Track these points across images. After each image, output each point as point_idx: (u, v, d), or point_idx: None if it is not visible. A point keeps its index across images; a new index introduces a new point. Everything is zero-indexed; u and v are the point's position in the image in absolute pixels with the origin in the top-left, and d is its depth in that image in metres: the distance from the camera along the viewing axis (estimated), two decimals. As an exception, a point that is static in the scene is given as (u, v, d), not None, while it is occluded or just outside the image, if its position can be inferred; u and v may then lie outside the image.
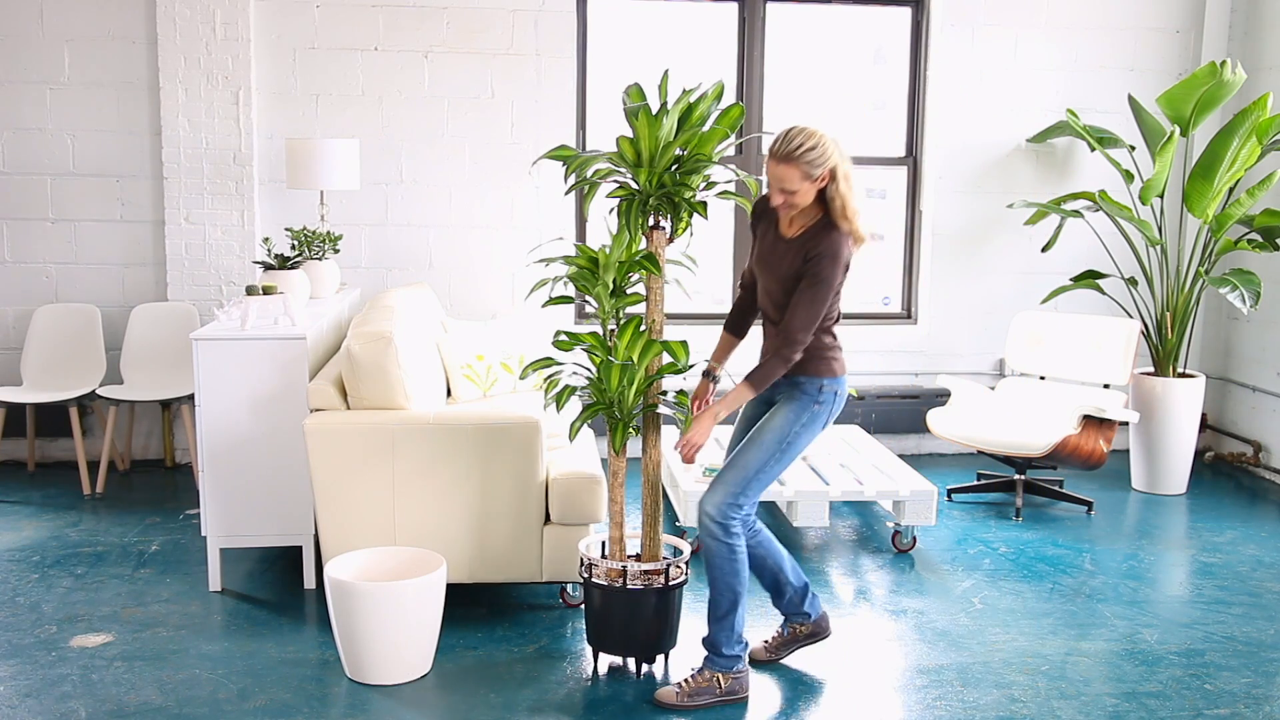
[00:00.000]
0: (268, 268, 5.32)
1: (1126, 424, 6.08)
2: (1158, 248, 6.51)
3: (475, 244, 6.73)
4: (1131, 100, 6.69)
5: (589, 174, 3.99)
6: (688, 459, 3.90)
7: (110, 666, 4.07)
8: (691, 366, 4.00)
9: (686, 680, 3.88)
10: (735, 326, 4.17)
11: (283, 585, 4.87)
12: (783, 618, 4.26)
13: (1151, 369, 6.50)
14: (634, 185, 3.93)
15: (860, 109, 7.53)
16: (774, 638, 4.26)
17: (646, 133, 3.82)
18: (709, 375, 4.07)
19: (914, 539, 5.41)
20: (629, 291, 4.00)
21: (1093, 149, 6.63)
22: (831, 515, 5.77)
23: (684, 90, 3.90)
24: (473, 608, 4.61)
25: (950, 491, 6.24)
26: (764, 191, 3.89)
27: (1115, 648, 4.38)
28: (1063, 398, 6.14)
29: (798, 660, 4.24)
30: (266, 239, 5.79)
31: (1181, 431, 6.32)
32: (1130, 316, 6.57)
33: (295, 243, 5.79)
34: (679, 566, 4.07)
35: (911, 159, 7.14)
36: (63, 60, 6.37)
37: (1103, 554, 5.43)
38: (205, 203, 6.43)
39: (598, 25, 6.83)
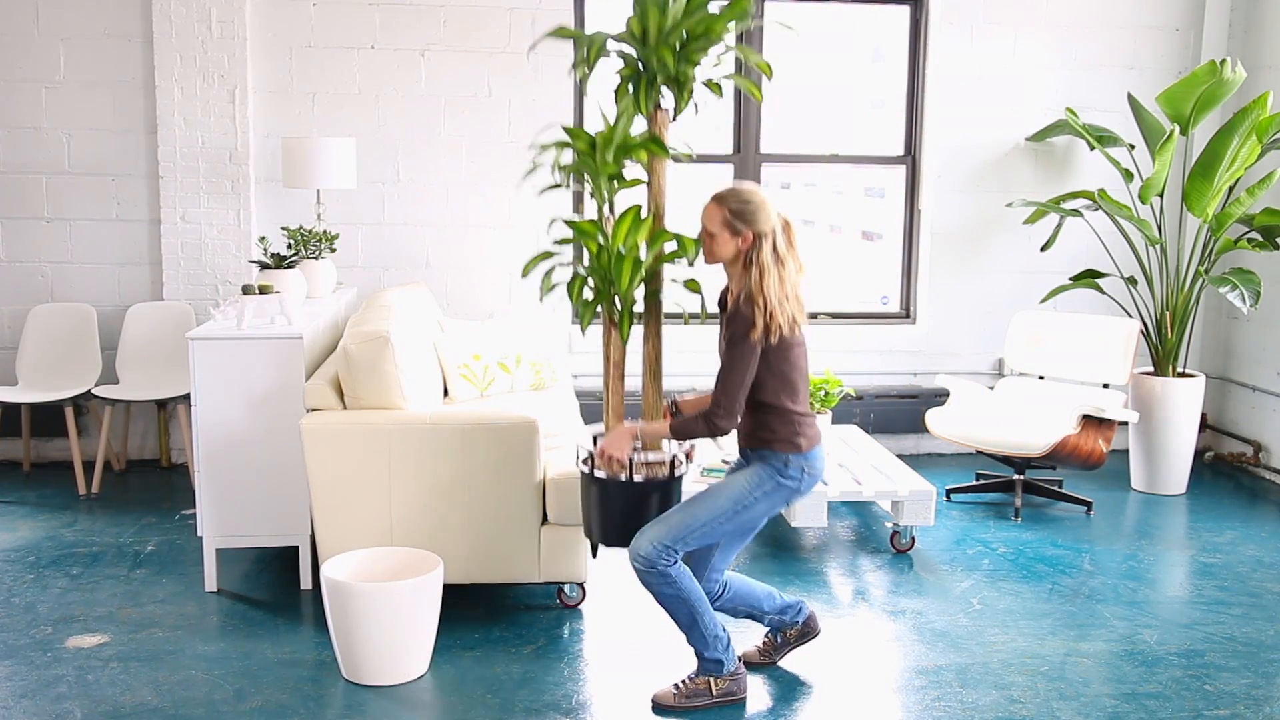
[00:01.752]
0: (264, 267, 5.31)
1: (1126, 424, 6.06)
2: (1157, 247, 6.50)
3: (472, 243, 6.72)
4: (1131, 99, 6.68)
5: (589, 54, 3.87)
6: (600, 457, 3.82)
7: (106, 667, 4.06)
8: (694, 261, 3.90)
9: (683, 682, 3.87)
10: None
11: (279, 586, 4.86)
12: (769, 627, 4.24)
13: (1151, 369, 6.49)
14: (639, 64, 3.83)
15: (859, 107, 7.52)
16: (765, 643, 4.24)
17: (655, 11, 3.75)
18: (672, 407, 4.02)
19: (913, 539, 5.39)
20: (628, 177, 3.93)
21: (1092, 148, 6.62)
22: (830, 515, 5.76)
23: None
24: (470, 608, 4.60)
25: (949, 492, 6.23)
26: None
27: (1115, 648, 4.37)
28: (1062, 397, 6.13)
29: (796, 661, 4.23)
30: (263, 238, 5.77)
31: (1181, 431, 6.31)
32: (1130, 316, 6.56)
33: (291, 242, 5.77)
34: (681, 459, 3.95)
35: (910, 158, 7.12)
36: (58, 59, 6.35)
37: (1102, 554, 5.42)
38: (201, 202, 6.41)
39: (595, 24, 6.81)
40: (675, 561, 3.73)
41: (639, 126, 3.90)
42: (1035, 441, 5.71)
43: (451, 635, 4.32)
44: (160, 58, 6.31)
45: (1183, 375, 6.43)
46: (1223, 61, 6.02)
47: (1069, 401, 6.00)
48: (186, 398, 5.97)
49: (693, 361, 5.97)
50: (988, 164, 7.01)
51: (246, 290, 4.82)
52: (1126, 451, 6.65)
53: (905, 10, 7.01)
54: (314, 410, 4.49)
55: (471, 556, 4.47)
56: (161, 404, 6.40)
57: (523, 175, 4.16)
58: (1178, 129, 6.16)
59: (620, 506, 3.89)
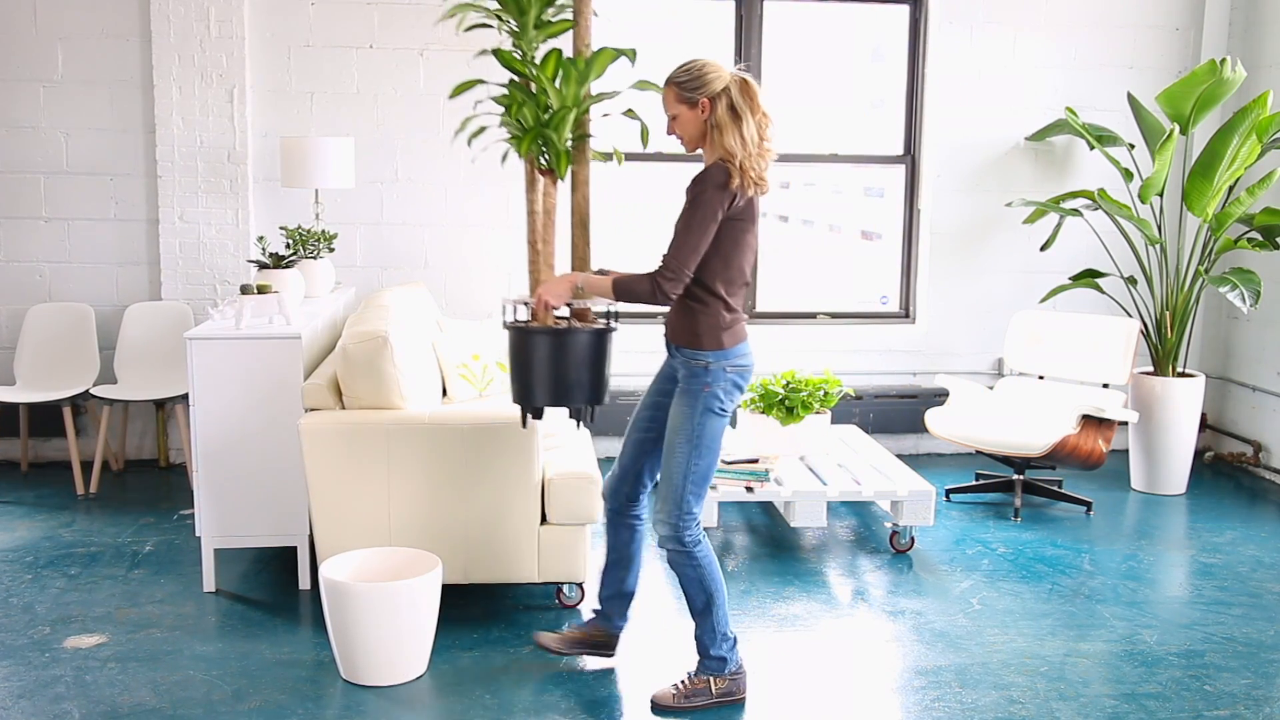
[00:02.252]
0: (262, 266, 5.30)
1: (1126, 424, 6.05)
2: (1157, 246, 6.49)
3: (471, 243, 6.71)
4: (1131, 98, 6.68)
5: None
6: (536, 309, 3.77)
7: (104, 668, 4.05)
8: (619, 95, 3.89)
9: (683, 682, 3.86)
10: None
11: (277, 586, 4.85)
12: (595, 612, 4.19)
13: (1151, 368, 6.48)
14: None
15: (858, 107, 7.51)
16: (569, 630, 4.20)
17: None
18: (600, 273, 3.87)
19: (912, 539, 5.38)
20: (554, 20, 3.92)
21: (1092, 147, 6.62)
22: (829, 515, 5.74)
23: None
24: (468, 608, 4.58)
25: (949, 492, 6.22)
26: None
27: (1114, 649, 4.36)
28: (1062, 397, 6.12)
29: (794, 661, 4.22)
30: (261, 238, 5.76)
31: (1181, 431, 6.30)
32: (1129, 316, 6.55)
33: (290, 241, 5.76)
34: (608, 319, 3.90)
35: (910, 157, 7.12)
36: (56, 58, 6.35)
37: (1102, 554, 5.41)
38: (199, 201, 6.40)
39: (593, 22, 6.77)
40: (698, 526, 3.76)
41: None
42: (1035, 441, 5.70)
43: (450, 635, 4.30)
44: (158, 57, 6.30)
45: (1182, 375, 6.42)
46: (1223, 61, 6.01)
47: (1069, 401, 5.99)
48: (185, 398, 5.94)
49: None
50: (987, 163, 7.00)
51: (245, 290, 4.81)
52: (1126, 451, 6.64)
53: (905, 9, 7.00)
54: (312, 410, 4.48)
55: (470, 557, 4.46)
56: (160, 404, 6.38)
57: (446, 19, 4.14)
58: (1178, 128, 6.15)
59: (553, 359, 3.80)
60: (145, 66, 6.36)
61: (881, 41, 7.28)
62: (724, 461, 5.44)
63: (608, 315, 3.90)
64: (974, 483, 6.28)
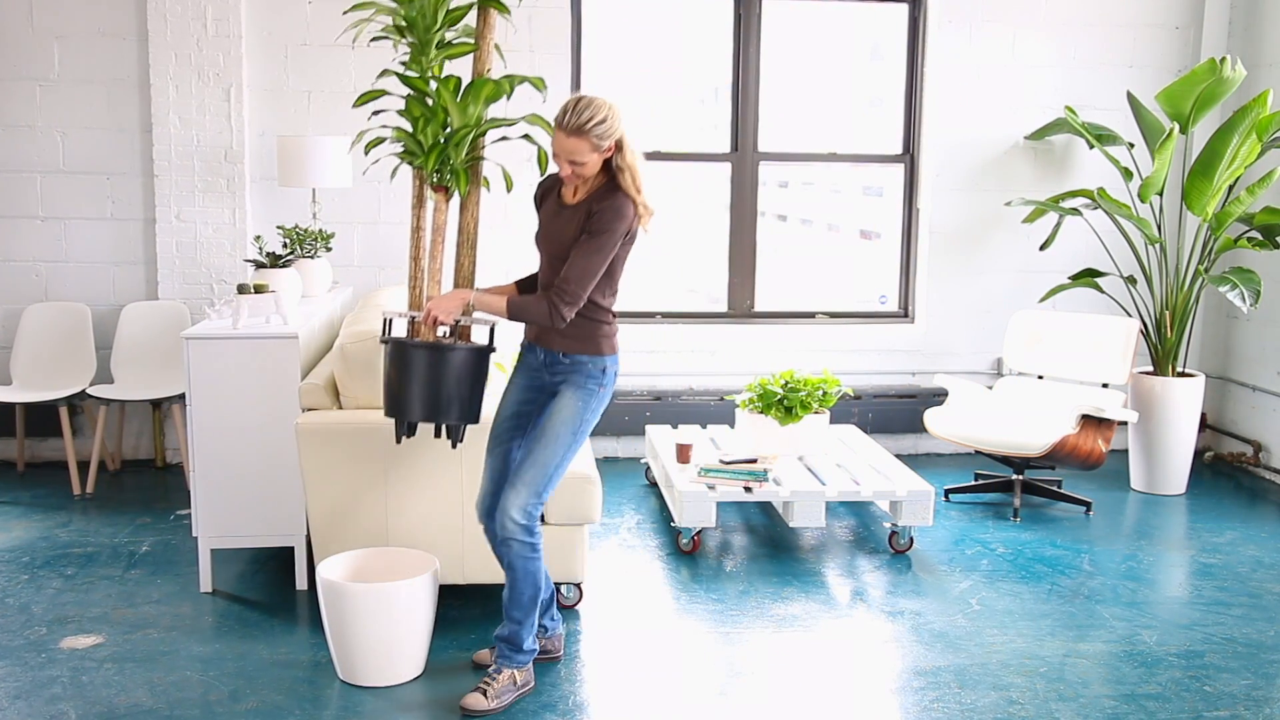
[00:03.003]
0: (259, 266, 5.29)
1: (1125, 424, 6.05)
2: (1157, 246, 6.48)
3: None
4: (1130, 97, 6.67)
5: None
6: (423, 323, 3.80)
7: (100, 668, 4.04)
8: (517, 123, 3.95)
9: (488, 683, 3.81)
10: (526, 284, 4.10)
11: (274, 586, 4.84)
12: None
13: (1150, 368, 6.47)
14: None
15: (857, 106, 7.50)
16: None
17: None
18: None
19: (911, 539, 5.37)
20: (455, 41, 3.95)
21: (1091, 146, 6.61)
22: (828, 516, 5.74)
23: None
24: (466, 609, 4.57)
25: (948, 492, 6.21)
26: (543, 176, 3.97)
27: (1114, 649, 4.35)
28: (1061, 397, 6.11)
29: (793, 662, 4.21)
30: (258, 237, 5.75)
31: (1181, 431, 6.29)
32: (1129, 315, 6.54)
33: (287, 241, 5.75)
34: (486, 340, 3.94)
35: (909, 156, 7.10)
36: (52, 57, 6.33)
37: (1101, 555, 5.40)
38: (196, 200, 6.39)
39: (592, 21, 6.79)
40: (538, 522, 3.78)
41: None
42: (1034, 441, 5.69)
43: (447, 636, 4.30)
44: (155, 56, 6.28)
45: (1182, 375, 6.41)
46: (1222, 59, 6.00)
47: (1068, 401, 5.98)
48: (181, 397, 5.92)
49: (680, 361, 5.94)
50: (986, 163, 6.99)
51: (242, 289, 4.81)
52: (1126, 451, 6.63)
53: (904, 8, 6.99)
54: (309, 410, 4.47)
55: (467, 557, 4.44)
56: (156, 404, 6.37)
57: (350, 27, 4.15)
58: (1177, 127, 6.14)
59: (431, 375, 3.81)
60: (142, 65, 6.35)
61: (880, 40, 7.27)
62: (722, 461, 5.44)
63: (490, 337, 3.96)
64: (973, 483, 6.27)
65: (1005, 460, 5.98)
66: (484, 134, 3.95)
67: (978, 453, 6.00)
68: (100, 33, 6.33)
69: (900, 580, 5.05)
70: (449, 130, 3.90)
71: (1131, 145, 6.69)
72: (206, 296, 6.40)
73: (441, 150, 3.87)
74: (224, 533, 4.72)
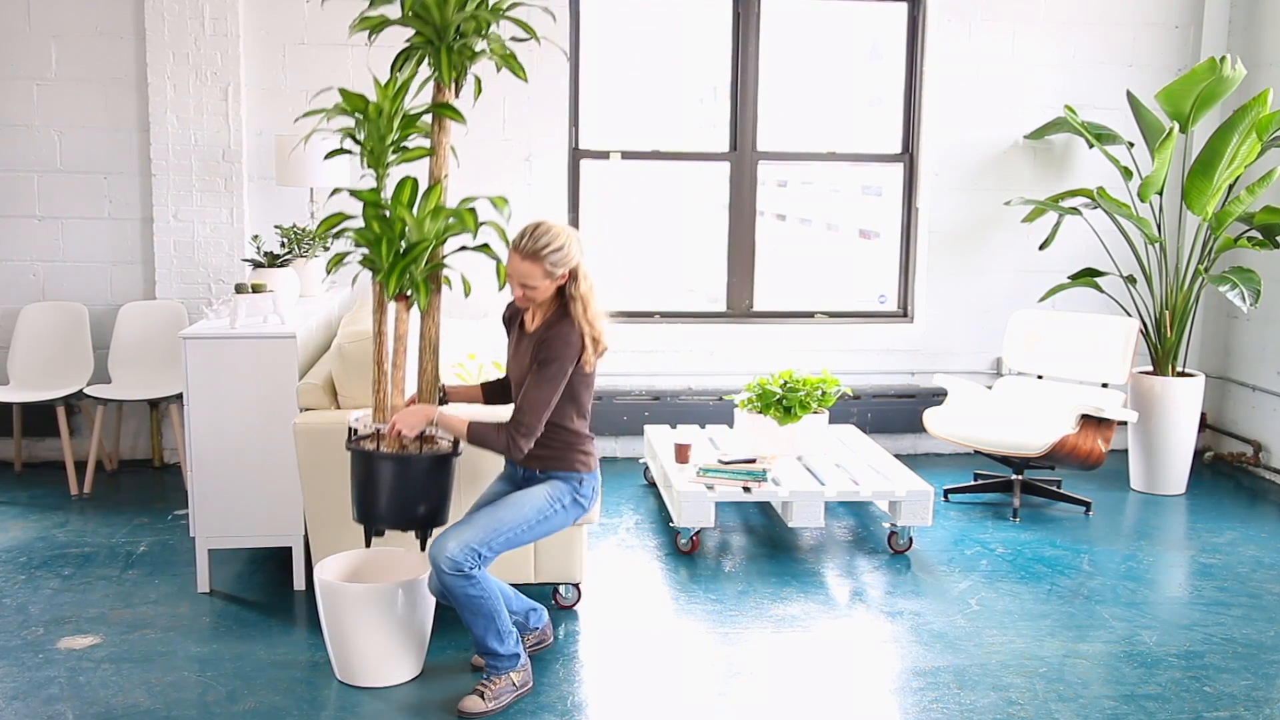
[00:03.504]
0: (257, 265, 5.27)
1: (1125, 423, 6.04)
2: (1156, 245, 6.47)
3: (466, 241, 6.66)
4: (1130, 96, 6.66)
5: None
6: (388, 436, 3.80)
7: (98, 669, 4.03)
8: (476, 231, 3.91)
9: (486, 685, 3.80)
10: (490, 389, 4.18)
11: (272, 586, 4.83)
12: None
13: (1150, 368, 6.46)
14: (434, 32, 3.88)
15: (856, 105, 7.49)
16: None
17: None
18: (440, 392, 4.03)
19: (910, 540, 5.36)
20: (410, 146, 3.94)
21: (1091, 146, 6.60)
22: (827, 516, 5.72)
23: None
24: (464, 609, 4.56)
25: (947, 492, 6.20)
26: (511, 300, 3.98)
27: (1114, 650, 4.34)
28: (1061, 397, 6.10)
29: (792, 663, 4.20)
30: (256, 236, 5.74)
31: (1180, 431, 6.29)
32: (1129, 315, 6.53)
33: (285, 240, 5.73)
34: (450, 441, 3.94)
35: (908, 156, 7.10)
36: (50, 56, 6.32)
37: (1101, 555, 5.39)
38: (194, 200, 6.38)
39: (590, 19, 6.78)
40: (481, 566, 3.73)
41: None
42: (1034, 441, 5.68)
43: (445, 637, 4.28)
44: (152, 55, 6.27)
45: (1182, 375, 6.40)
46: (1222, 59, 6.00)
47: (1068, 401, 5.97)
48: (179, 397, 5.94)
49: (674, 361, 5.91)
50: (986, 162, 6.98)
51: (239, 289, 4.80)
52: (1125, 451, 6.62)
53: (903, 7, 6.98)
54: (307, 410, 4.46)
55: (466, 557, 4.42)
56: (154, 403, 6.36)
57: (302, 138, 4.19)
58: (1177, 126, 6.13)
59: (397, 484, 3.83)
60: (139, 64, 6.33)
61: (879, 39, 7.26)
62: (721, 461, 5.43)
63: (455, 442, 3.94)
64: (972, 483, 6.26)
65: (1005, 460, 5.97)
66: (443, 242, 3.93)
67: (977, 453, 5.99)
68: (98, 32, 6.32)
69: (899, 580, 5.04)
70: (406, 245, 3.87)
71: (1131, 144, 6.68)
72: (204, 296, 6.40)
73: (403, 267, 3.85)
74: (222, 533, 4.71)
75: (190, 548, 4.98)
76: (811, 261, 8.03)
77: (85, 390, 6.08)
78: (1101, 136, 6.63)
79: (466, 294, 3.98)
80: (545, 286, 3.76)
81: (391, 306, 3.94)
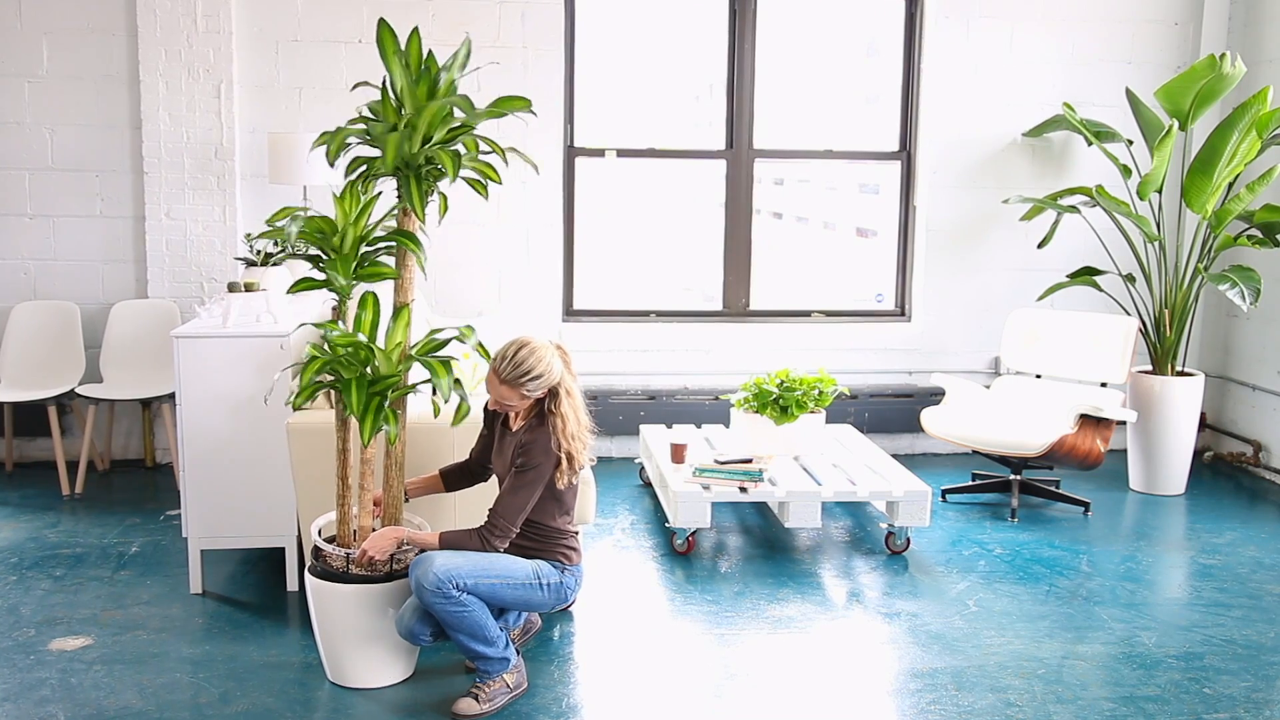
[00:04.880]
0: (250, 264, 5.25)
1: (1124, 423, 6.02)
2: (1156, 244, 6.45)
3: (461, 239, 6.65)
4: (1129, 94, 6.64)
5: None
6: (360, 560, 3.81)
7: (90, 670, 4.02)
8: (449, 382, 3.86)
9: (480, 687, 3.79)
10: (449, 476, 4.16)
11: (265, 587, 4.81)
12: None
13: (1149, 367, 6.45)
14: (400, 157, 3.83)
15: (853, 102, 7.48)
16: None
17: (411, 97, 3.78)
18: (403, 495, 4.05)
19: (908, 540, 5.34)
20: (374, 264, 3.94)
21: (1090, 143, 6.58)
22: (824, 516, 5.71)
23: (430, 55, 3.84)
24: (458, 611, 4.53)
25: (945, 492, 6.18)
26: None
27: (1113, 651, 4.33)
28: (1059, 396, 6.08)
29: (789, 664, 4.18)
30: (248, 235, 5.70)
31: (1180, 431, 6.27)
32: (1128, 314, 6.51)
33: (277, 240, 5.70)
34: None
35: (905, 153, 7.07)
36: (41, 53, 6.29)
37: (1100, 555, 5.37)
38: (186, 198, 6.36)
39: (585, 17, 6.76)
40: (463, 595, 3.69)
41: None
42: (1032, 441, 5.66)
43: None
44: (144, 52, 6.25)
45: (1182, 374, 6.38)
46: (1222, 56, 5.98)
47: (1066, 401, 5.96)
48: (171, 397, 5.91)
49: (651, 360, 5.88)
50: (984, 160, 6.95)
51: (232, 288, 4.79)
52: (1125, 451, 6.60)
53: (900, 3, 6.96)
54: (300, 410, 4.41)
55: (459, 558, 4.40)
56: (146, 403, 6.34)
57: (261, 258, 4.26)
58: (1176, 124, 6.11)
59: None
60: (131, 61, 6.30)
61: (877, 36, 7.24)
62: (717, 461, 5.40)
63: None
64: (970, 483, 6.24)
65: (1003, 460, 5.94)
66: (409, 369, 3.91)
67: (975, 453, 5.97)
68: (89, 28, 6.29)
69: (897, 581, 5.01)
70: (375, 376, 3.84)
71: (1130, 142, 6.67)
72: (196, 295, 6.38)
73: (376, 405, 3.82)
74: (214, 533, 4.69)
75: (182, 548, 4.98)
76: (808, 260, 8.03)
77: (77, 390, 6.06)
78: (1100, 134, 6.61)
79: (435, 415, 3.94)
80: (522, 407, 3.84)
81: (353, 427, 3.91)
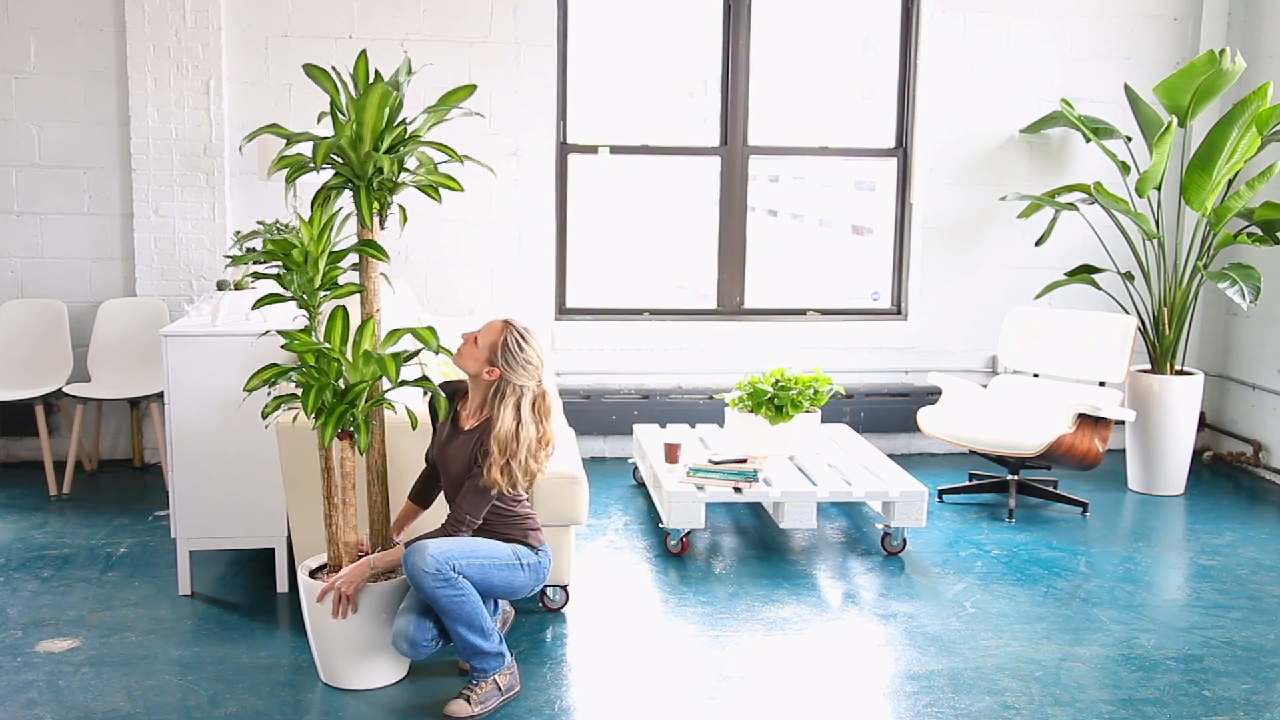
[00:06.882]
0: (239, 262, 5.20)
1: (1123, 423, 6.00)
2: (1155, 241, 6.43)
3: (452, 237, 6.61)
4: (1128, 90, 6.61)
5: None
6: (335, 600, 3.78)
7: (77, 672, 4.00)
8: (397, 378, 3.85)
9: (472, 689, 3.76)
10: (419, 496, 4.15)
11: (254, 588, 4.79)
12: None
13: (1148, 366, 6.43)
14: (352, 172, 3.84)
15: (849, 98, 7.46)
16: None
17: (372, 110, 3.76)
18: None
19: (904, 541, 5.31)
20: (341, 283, 3.93)
21: (1088, 140, 6.56)
22: (819, 517, 5.69)
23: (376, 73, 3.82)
24: (449, 613, 4.50)
25: (941, 492, 6.16)
26: (441, 385, 3.99)
27: (1111, 653, 4.31)
28: (1057, 396, 6.06)
29: (784, 666, 4.16)
30: (238, 232, 5.65)
31: (1179, 430, 6.24)
32: (1126, 312, 6.48)
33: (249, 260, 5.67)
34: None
35: (901, 150, 7.04)
36: (28, 48, 6.25)
37: (1098, 556, 5.35)
38: (175, 195, 6.32)
39: (578, 12, 6.72)
40: (459, 576, 3.69)
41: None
42: (1030, 441, 5.63)
43: (429, 641, 4.23)
44: (133, 48, 6.21)
45: (1181, 373, 6.36)
46: (1222, 52, 5.96)
47: (1064, 400, 5.93)
48: (159, 396, 5.90)
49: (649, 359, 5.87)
50: (981, 156, 6.92)
51: (221, 286, 4.76)
52: (1123, 451, 6.58)
53: None
54: (290, 409, 4.38)
55: (450, 559, 4.37)
56: (134, 402, 6.32)
57: (231, 265, 4.24)
58: (1176, 121, 6.09)
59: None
60: (119, 57, 6.27)
61: (873, 32, 7.23)
62: (711, 461, 5.38)
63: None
64: (967, 483, 6.22)
65: (1000, 460, 5.92)
66: (379, 379, 3.87)
67: (972, 452, 5.95)
68: (77, 24, 6.25)
69: (893, 582, 4.99)
70: (345, 385, 3.82)
71: (1129, 139, 6.65)
72: (185, 293, 6.36)
73: (341, 411, 3.80)
74: (203, 534, 4.67)
75: (171, 549, 4.95)
76: (803, 258, 8.01)
77: (64, 389, 6.03)
78: (1099, 131, 6.59)
79: (414, 427, 3.92)
80: (474, 355, 3.81)
81: (336, 445, 3.89)
